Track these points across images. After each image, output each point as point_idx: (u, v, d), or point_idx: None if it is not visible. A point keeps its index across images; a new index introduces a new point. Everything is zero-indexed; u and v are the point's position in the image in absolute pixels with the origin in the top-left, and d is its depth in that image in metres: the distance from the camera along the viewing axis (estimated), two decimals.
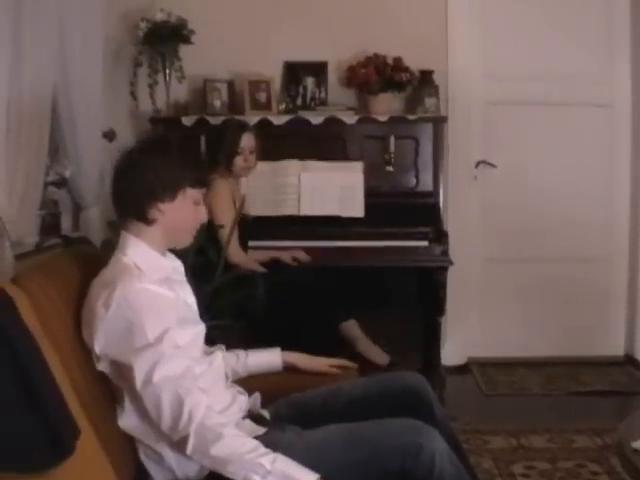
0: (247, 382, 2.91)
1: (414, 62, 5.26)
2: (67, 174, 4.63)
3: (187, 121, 5.07)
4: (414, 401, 2.76)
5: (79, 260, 2.75)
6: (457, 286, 5.28)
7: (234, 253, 4.40)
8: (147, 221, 2.56)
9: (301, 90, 5.37)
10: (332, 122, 5.11)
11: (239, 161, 4.59)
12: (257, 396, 2.86)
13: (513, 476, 3.87)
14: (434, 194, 5.18)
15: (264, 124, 5.05)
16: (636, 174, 5.66)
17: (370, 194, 4.97)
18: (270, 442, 2.42)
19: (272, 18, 5.36)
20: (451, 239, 4.83)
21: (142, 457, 2.53)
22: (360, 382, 2.98)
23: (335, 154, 5.13)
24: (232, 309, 3.90)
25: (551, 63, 5.54)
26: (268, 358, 3.09)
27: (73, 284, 2.58)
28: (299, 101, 5.35)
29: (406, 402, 2.74)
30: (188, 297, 2.73)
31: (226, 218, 4.35)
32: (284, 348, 3.11)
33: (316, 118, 5.11)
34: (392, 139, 5.11)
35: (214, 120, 5.01)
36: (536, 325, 5.68)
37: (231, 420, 2.54)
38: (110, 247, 2.68)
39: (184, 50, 5.18)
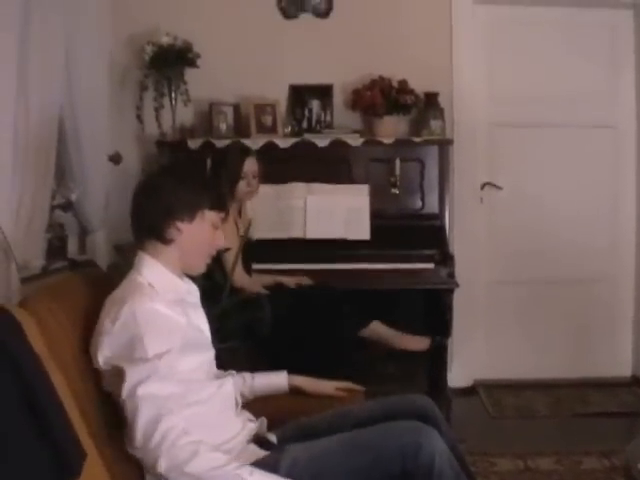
0: (256, 406, 2.90)
1: (419, 85, 5.27)
2: (73, 197, 4.64)
3: (193, 144, 5.06)
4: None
5: (87, 283, 2.76)
6: (463, 308, 5.26)
7: (238, 277, 4.39)
8: (165, 240, 2.58)
9: (307, 113, 5.37)
10: (338, 145, 5.11)
11: (242, 186, 4.59)
12: (263, 420, 2.85)
13: None
14: (440, 216, 5.17)
15: (270, 147, 5.05)
16: None
17: (376, 216, 4.97)
18: (268, 465, 2.44)
19: (277, 41, 5.39)
20: (457, 261, 4.83)
21: None
22: (368, 405, 2.97)
23: (341, 177, 5.12)
24: (239, 331, 3.90)
25: (555, 85, 5.56)
26: (274, 381, 3.10)
27: (81, 307, 2.59)
28: (305, 124, 5.36)
29: None
30: (201, 322, 2.74)
31: (229, 242, 4.35)
32: (291, 369, 3.11)
33: (322, 141, 5.11)
34: (398, 162, 5.11)
35: (220, 143, 5.01)
36: (542, 347, 5.67)
37: (237, 447, 2.54)
38: (117, 270, 2.70)
39: (190, 74, 5.20)
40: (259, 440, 2.71)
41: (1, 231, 3.47)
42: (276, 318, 4.11)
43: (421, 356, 4.99)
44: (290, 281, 4.64)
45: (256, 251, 4.65)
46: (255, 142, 5.02)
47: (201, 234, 2.64)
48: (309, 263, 4.75)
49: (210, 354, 2.74)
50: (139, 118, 5.22)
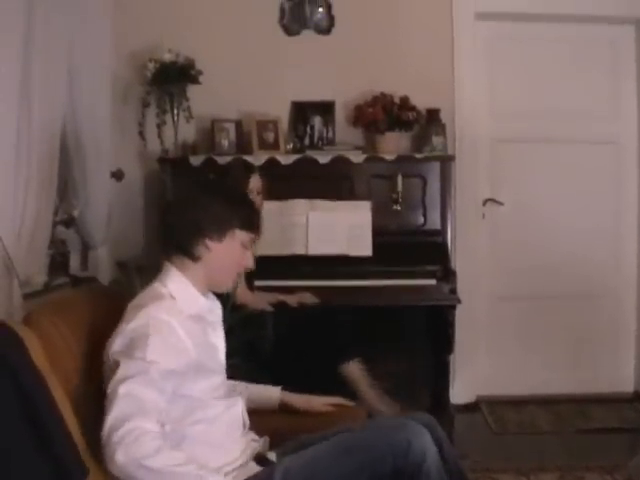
0: (258, 425, 2.89)
1: (421, 101, 5.27)
2: (76, 213, 4.65)
3: (195, 161, 5.06)
4: None
5: (90, 298, 2.77)
6: (466, 324, 5.26)
7: (241, 293, 4.39)
8: (193, 257, 2.59)
9: (308, 130, 5.38)
10: (340, 161, 5.11)
11: None
12: (266, 439, 2.83)
13: None
14: (442, 232, 5.17)
15: (272, 164, 5.05)
16: None
17: (378, 233, 4.95)
18: (261, 478, 2.46)
19: (279, 58, 5.40)
20: (459, 277, 4.82)
21: None
22: (370, 424, 2.97)
23: (343, 193, 5.12)
24: (243, 348, 3.90)
25: (557, 100, 5.58)
26: (265, 394, 3.10)
27: (86, 322, 2.59)
28: (307, 141, 5.37)
29: None
30: (218, 341, 2.74)
31: None
32: (292, 386, 3.11)
33: (324, 157, 5.11)
34: (399, 178, 5.10)
35: (222, 160, 5.01)
36: (545, 362, 5.66)
37: (237, 469, 2.54)
38: (119, 287, 2.70)
39: (192, 90, 5.21)
40: (259, 458, 2.69)
41: (3, 247, 3.47)
42: (278, 336, 4.11)
43: (423, 372, 5.00)
44: (292, 300, 4.62)
45: (258, 268, 4.64)
46: (257, 159, 5.03)
47: (230, 254, 2.64)
48: (311, 280, 4.73)
49: (222, 376, 2.72)
50: (141, 135, 5.22)
